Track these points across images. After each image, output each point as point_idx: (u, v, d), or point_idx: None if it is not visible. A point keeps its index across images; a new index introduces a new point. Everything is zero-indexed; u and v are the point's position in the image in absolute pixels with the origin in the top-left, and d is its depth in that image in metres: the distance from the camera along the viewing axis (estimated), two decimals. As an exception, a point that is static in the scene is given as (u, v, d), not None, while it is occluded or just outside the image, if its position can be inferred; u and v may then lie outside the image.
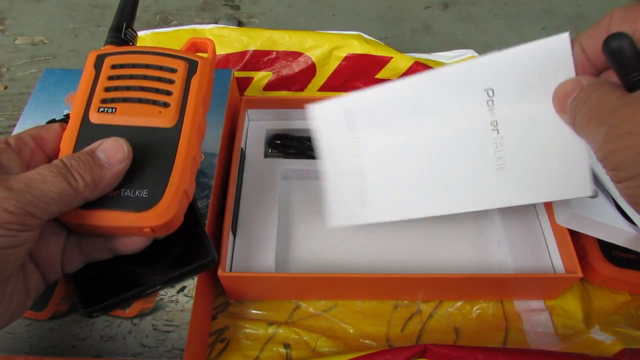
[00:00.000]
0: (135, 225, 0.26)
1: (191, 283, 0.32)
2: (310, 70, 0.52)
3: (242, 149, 0.43)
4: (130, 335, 0.30)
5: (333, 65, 0.52)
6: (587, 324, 0.38)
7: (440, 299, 0.39)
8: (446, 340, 0.37)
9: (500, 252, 0.39)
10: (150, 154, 0.27)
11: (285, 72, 0.52)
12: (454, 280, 0.36)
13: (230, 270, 0.37)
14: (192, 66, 0.30)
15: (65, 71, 0.44)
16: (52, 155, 0.28)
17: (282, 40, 0.51)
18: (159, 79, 0.29)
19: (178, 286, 0.32)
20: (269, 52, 0.51)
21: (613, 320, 0.38)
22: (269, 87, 0.52)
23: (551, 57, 0.27)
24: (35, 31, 0.63)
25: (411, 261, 0.38)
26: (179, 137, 0.28)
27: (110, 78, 0.29)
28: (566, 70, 0.27)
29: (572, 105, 0.26)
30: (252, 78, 0.52)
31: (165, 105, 0.28)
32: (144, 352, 0.29)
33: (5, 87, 0.57)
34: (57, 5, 0.67)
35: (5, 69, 0.59)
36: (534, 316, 0.38)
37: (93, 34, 0.63)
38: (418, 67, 0.51)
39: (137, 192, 0.26)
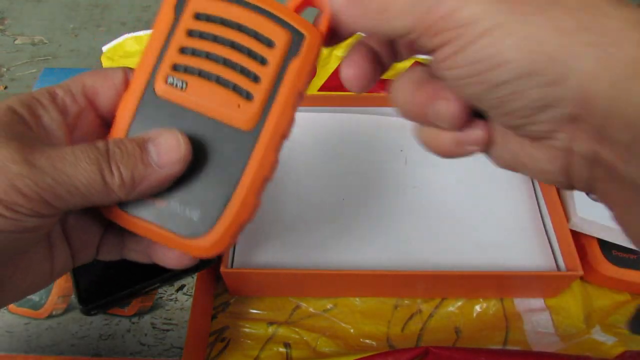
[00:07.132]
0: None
1: (190, 281, 0.32)
2: (310, 70, 0.52)
3: None
4: (129, 333, 0.30)
5: (333, 65, 0.52)
6: (588, 324, 0.38)
7: (441, 297, 0.39)
8: (446, 340, 0.37)
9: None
10: (213, 161, 0.21)
11: (285, 72, 0.52)
12: (454, 278, 0.36)
13: (232, 267, 0.37)
14: (295, 42, 0.22)
15: (64, 70, 0.44)
16: (105, 117, 0.22)
17: (282, 40, 0.51)
18: (249, 53, 0.21)
19: (177, 284, 0.32)
20: (269, 52, 0.51)
21: (614, 320, 0.38)
22: (269, 87, 0.52)
23: None
24: (35, 31, 0.63)
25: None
26: (254, 147, 0.21)
27: (190, 34, 0.21)
28: None
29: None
30: (252, 78, 0.52)
31: (248, 96, 0.21)
32: (142, 350, 0.29)
33: (5, 87, 0.57)
34: (57, 5, 0.67)
35: (5, 69, 0.59)
36: (535, 316, 0.38)
37: (93, 34, 0.63)
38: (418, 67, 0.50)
39: (186, 211, 0.21)
